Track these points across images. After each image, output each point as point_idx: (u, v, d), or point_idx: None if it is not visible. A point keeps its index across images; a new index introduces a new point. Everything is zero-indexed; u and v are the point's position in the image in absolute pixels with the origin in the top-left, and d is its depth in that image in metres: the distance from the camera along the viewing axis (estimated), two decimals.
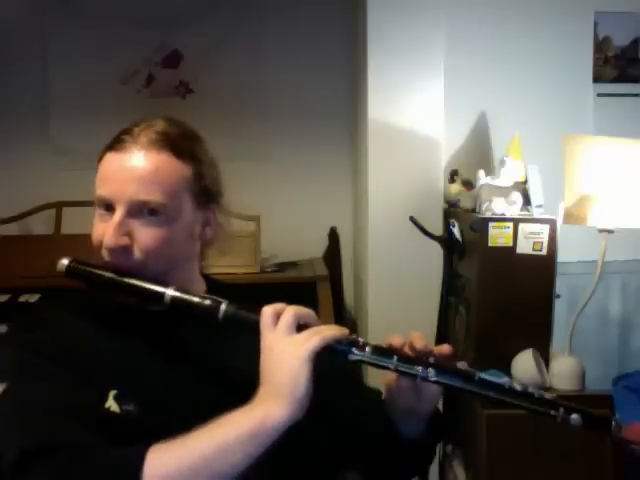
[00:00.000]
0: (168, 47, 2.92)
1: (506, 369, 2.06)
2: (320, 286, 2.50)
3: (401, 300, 2.49)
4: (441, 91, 2.51)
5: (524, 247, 2.11)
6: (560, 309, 2.23)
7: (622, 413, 2.11)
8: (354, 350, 0.94)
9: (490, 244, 2.12)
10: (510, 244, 2.12)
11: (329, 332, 0.93)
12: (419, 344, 0.97)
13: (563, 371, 2.07)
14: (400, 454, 1.07)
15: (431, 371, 0.93)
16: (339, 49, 2.90)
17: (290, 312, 0.94)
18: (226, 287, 1.22)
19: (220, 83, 2.91)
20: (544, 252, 2.11)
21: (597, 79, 2.78)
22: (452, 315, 2.37)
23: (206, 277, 1.19)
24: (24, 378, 0.98)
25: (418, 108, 2.50)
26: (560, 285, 2.20)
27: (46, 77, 2.91)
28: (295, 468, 1.06)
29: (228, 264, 2.39)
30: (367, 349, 0.94)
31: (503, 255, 2.12)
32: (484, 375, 0.94)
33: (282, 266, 2.70)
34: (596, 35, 2.76)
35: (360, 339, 0.95)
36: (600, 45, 2.77)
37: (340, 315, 2.69)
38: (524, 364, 2.05)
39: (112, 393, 0.98)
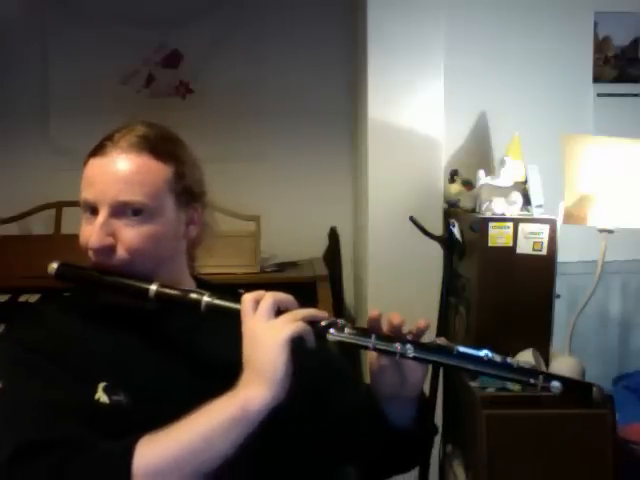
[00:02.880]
0: (168, 47, 2.91)
1: None
2: (320, 286, 2.51)
3: (401, 300, 2.49)
4: (441, 91, 2.51)
5: (524, 247, 2.11)
6: (560, 309, 2.23)
7: (622, 413, 2.12)
8: (332, 331, 0.95)
9: (490, 244, 2.12)
10: (510, 244, 2.11)
11: (307, 313, 0.95)
12: (396, 320, 0.99)
13: (563, 371, 2.07)
14: (394, 442, 1.07)
15: (410, 347, 0.94)
16: (339, 49, 2.90)
17: (269, 298, 0.95)
18: (217, 287, 1.22)
19: (220, 83, 2.91)
20: (544, 252, 2.11)
21: (597, 79, 2.78)
22: (452, 315, 2.37)
23: (197, 279, 1.20)
24: (17, 375, 0.99)
25: (418, 108, 2.50)
26: (560, 285, 2.19)
27: (46, 77, 2.91)
28: (291, 462, 1.07)
29: (228, 264, 2.39)
30: (345, 330, 0.95)
31: (503, 255, 2.11)
32: (463, 348, 0.95)
33: (282, 266, 2.69)
34: (596, 35, 2.76)
35: (339, 320, 0.96)
36: (600, 45, 2.77)
37: (340, 315, 2.69)
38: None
39: (101, 385, 0.99)
